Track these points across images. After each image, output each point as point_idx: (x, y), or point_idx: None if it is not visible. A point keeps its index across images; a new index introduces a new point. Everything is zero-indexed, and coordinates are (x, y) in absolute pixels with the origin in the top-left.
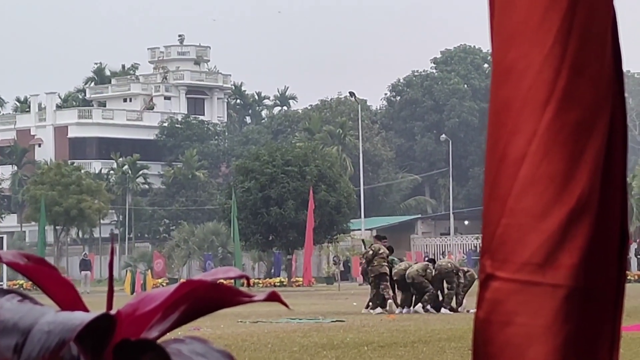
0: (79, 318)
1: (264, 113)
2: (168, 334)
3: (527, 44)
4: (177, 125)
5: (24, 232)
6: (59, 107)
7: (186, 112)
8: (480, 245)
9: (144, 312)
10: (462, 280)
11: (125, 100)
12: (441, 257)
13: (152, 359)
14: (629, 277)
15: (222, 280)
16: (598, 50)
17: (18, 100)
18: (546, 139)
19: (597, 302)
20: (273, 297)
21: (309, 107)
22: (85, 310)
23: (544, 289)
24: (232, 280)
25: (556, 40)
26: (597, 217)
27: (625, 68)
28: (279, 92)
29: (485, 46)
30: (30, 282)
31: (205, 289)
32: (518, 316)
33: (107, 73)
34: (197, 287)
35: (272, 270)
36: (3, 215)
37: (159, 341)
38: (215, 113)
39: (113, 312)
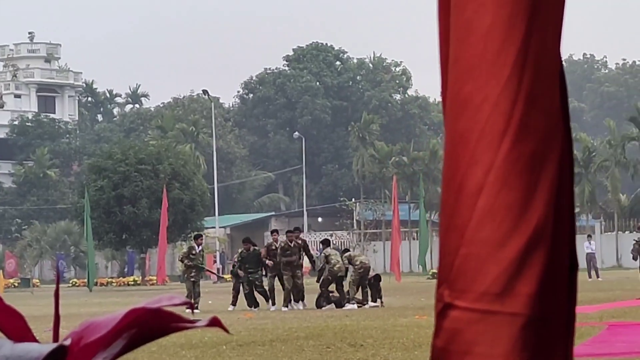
0: (36, 350)
1: (115, 111)
2: None
3: (484, 77)
4: (27, 124)
5: None
6: None
7: (37, 111)
8: (437, 273)
9: (91, 341)
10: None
11: None
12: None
13: None
14: None
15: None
16: (549, 82)
17: None
18: (503, 170)
19: (551, 329)
20: (214, 323)
21: (162, 105)
22: (35, 340)
23: (503, 318)
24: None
25: (512, 73)
26: (551, 245)
27: None
28: (130, 89)
29: (337, 44)
30: None
31: (149, 316)
32: (477, 345)
33: None
34: (141, 315)
35: (126, 269)
36: None
37: None
38: (66, 111)
39: (67, 342)
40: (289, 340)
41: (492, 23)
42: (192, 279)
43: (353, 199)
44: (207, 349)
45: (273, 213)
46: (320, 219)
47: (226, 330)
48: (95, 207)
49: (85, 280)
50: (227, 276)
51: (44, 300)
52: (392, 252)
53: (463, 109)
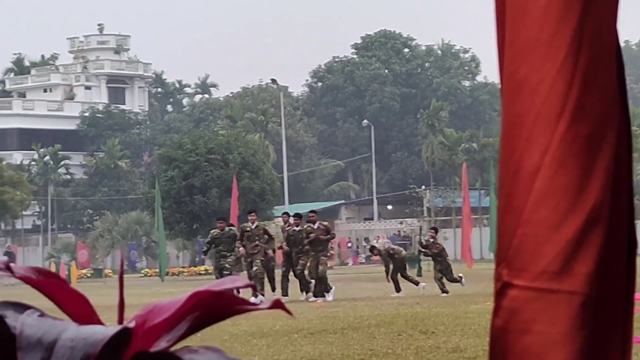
0: (101, 332)
1: (185, 101)
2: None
3: (540, 58)
4: (98, 115)
5: None
6: None
7: (107, 102)
8: (495, 253)
9: (155, 324)
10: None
11: (45, 91)
12: (364, 242)
13: None
14: None
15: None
16: (606, 62)
17: None
18: (560, 152)
19: (608, 310)
20: (276, 305)
21: (231, 95)
22: (100, 323)
23: (561, 297)
24: None
25: (568, 54)
26: (608, 226)
27: None
28: (199, 80)
29: (405, 31)
30: None
31: (212, 298)
32: (535, 324)
33: (27, 63)
34: (205, 297)
35: (197, 259)
36: None
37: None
38: (136, 102)
39: (131, 325)
40: (360, 328)
41: (548, 4)
42: (224, 272)
43: (423, 187)
44: (278, 337)
45: (343, 201)
46: (390, 207)
47: (289, 313)
48: (166, 197)
49: (157, 270)
50: None
51: (116, 290)
52: (463, 239)
53: (519, 91)
